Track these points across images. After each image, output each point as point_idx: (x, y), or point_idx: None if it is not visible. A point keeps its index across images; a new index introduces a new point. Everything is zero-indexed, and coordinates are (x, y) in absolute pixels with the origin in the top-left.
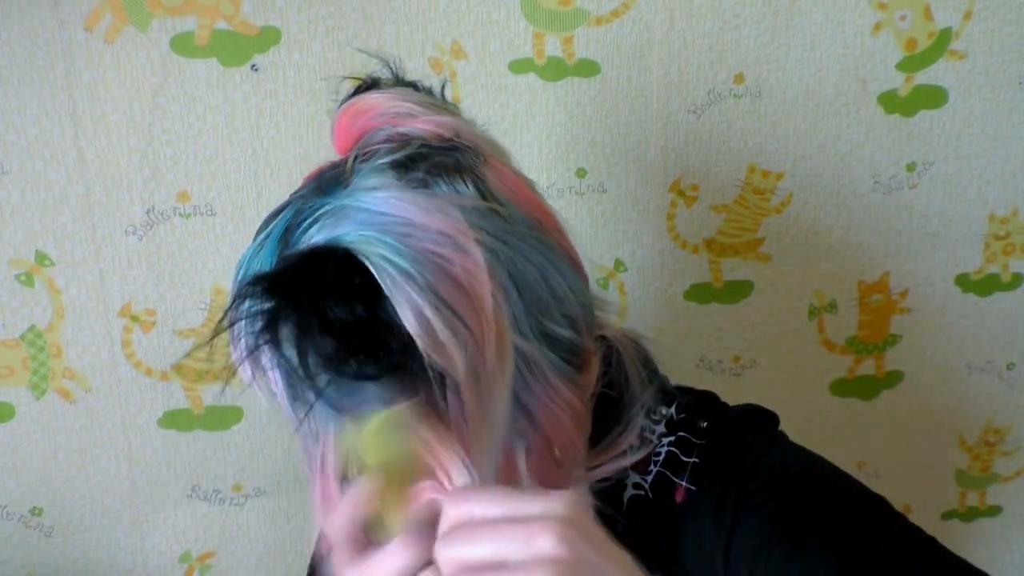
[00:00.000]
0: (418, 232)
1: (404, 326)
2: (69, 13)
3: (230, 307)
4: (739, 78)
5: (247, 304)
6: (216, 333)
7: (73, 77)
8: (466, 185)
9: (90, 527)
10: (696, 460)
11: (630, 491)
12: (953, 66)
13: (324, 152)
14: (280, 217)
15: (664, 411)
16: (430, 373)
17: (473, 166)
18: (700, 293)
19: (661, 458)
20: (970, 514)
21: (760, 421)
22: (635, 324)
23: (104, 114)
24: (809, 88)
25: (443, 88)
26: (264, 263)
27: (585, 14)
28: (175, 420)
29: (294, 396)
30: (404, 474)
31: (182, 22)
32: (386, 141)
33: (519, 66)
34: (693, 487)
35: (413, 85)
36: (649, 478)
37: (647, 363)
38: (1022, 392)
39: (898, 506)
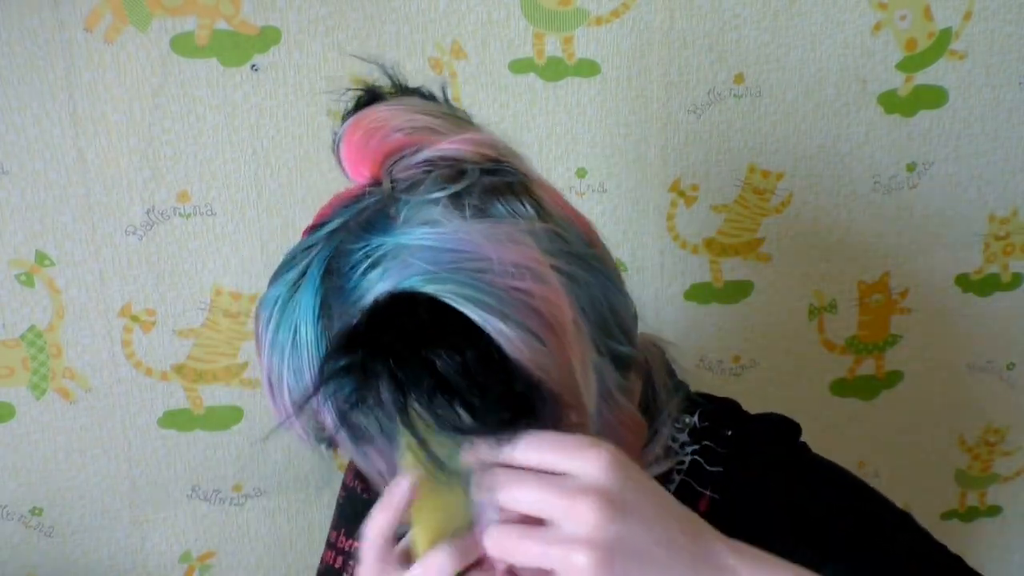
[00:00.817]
0: (495, 267)
1: (519, 363)
2: (69, 13)
3: (291, 351)
4: (739, 78)
5: (343, 361)
6: (308, 396)
7: (73, 77)
8: (525, 207)
9: (90, 527)
10: (720, 469)
11: None
12: (953, 66)
13: (324, 152)
14: (315, 253)
15: (688, 420)
16: (548, 408)
17: (526, 185)
18: (700, 293)
19: (685, 467)
20: (970, 514)
21: (783, 431)
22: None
23: (104, 114)
24: (809, 88)
25: (444, 91)
26: (305, 306)
27: (585, 14)
28: (175, 420)
29: (355, 438)
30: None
31: (182, 22)
32: (427, 164)
33: (519, 66)
34: (717, 496)
35: (417, 92)
36: (672, 487)
37: (671, 370)
38: (1022, 392)
39: (898, 506)
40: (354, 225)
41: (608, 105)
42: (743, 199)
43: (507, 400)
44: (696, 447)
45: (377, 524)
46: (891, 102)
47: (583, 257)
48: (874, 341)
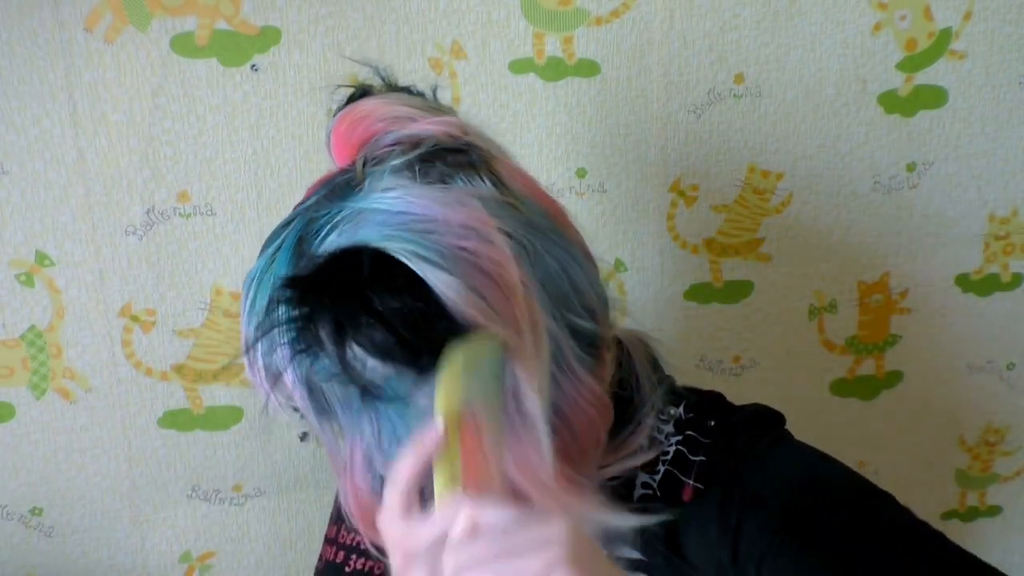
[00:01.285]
0: (440, 227)
1: (455, 307)
2: (69, 13)
3: (262, 317)
4: (739, 78)
5: (281, 310)
6: (256, 341)
7: (73, 77)
8: (483, 180)
9: (90, 527)
10: (703, 458)
11: (639, 490)
12: (953, 66)
13: (324, 152)
14: (291, 227)
15: (672, 411)
16: None
17: (487, 162)
18: (700, 293)
19: (669, 457)
20: (970, 514)
21: (766, 420)
22: (635, 324)
23: (104, 114)
24: (809, 88)
25: (435, 92)
26: (279, 273)
27: (585, 14)
28: (175, 420)
29: (319, 410)
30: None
31: (182, 22)
32: (396, 143)
33: (519, 66)
34: (700, 485)
35: (406, 90)
36: (657, 477)
37: (655, 364)
38: (1022, 392)
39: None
40: (323, 198)
41: (608, 105)
42: (743, 199)
43: (442, 336)
44: (680, 437)
45: (405, 469)
46: (891, 102)
47: (541, 229)
48: (874, 341)
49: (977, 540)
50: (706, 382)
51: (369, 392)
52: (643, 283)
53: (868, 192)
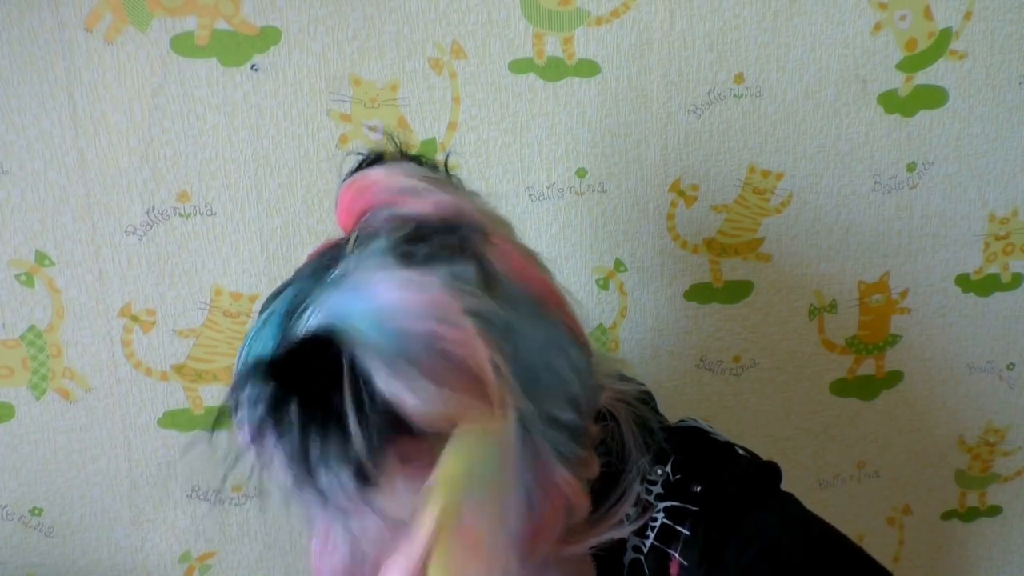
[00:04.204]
0: (400, 313)
1: (417, 411)
2: (69, 13)
3: (232, 389)
4: (739, 78)
5: (248, 388)
6: (220, 414)
7: (73, 77)
8: (466, 264)
9: (90, 527)
10: (688, 533)
11: (630, 554)
12: (953, 66)
13: (324, 152)
14: (281, 298)
15: (660, 472)
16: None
17: (474, 245)
18: (700, 293)
19: (657, 525)
20: (970, 514)
21: (758, 481)
22: (635, 324)
23: (104, 114)
24: (809, 88)
25: (446, 161)
26: (265, 345)
27: (585, 14)
28: (175, 420)
29: (298, 483)
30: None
31: (182, 22)
32: (387, 222)
33: (519, 66)
34: (685, 562)
35: (417, 159)
36: (647, 543)
37: (644, 423)
38: (1022, 392)
39: (898, 506)
40: (314, 271)
41: (608, 105)
42: (743, 199)
43: (387, 443)
44: (667, 504)
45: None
46: (891, 102)
47: (524, 315)
48: (874, 341)
49: (977, 540)
50: (706, 382)
51: (323, 496)
52: (643, 283)
53: (868, 192)
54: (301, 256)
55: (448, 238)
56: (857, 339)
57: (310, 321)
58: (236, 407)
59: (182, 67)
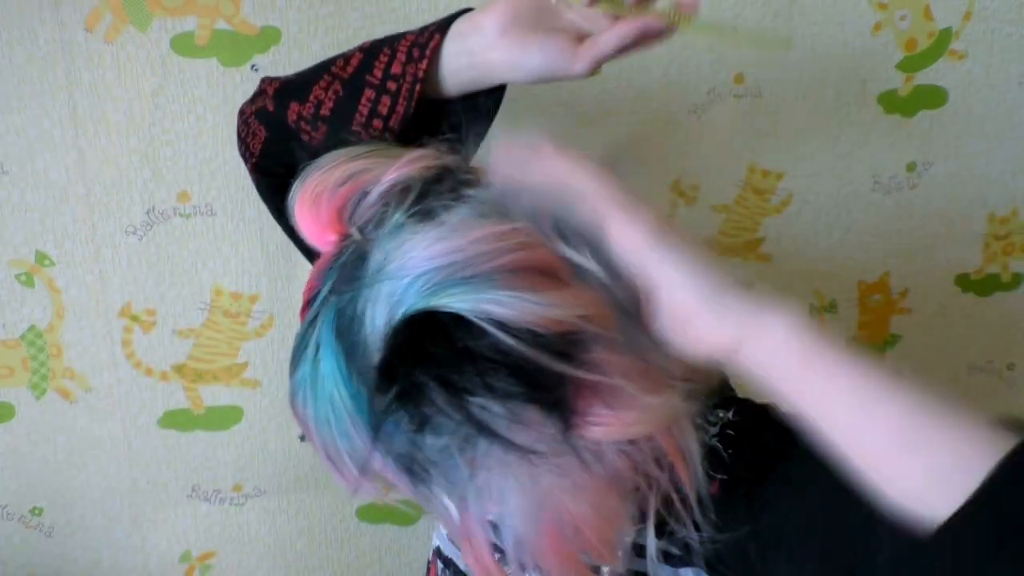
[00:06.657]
0: (461, 261)
1: (526, 323)
2: (69, 13)
3: (361, 415)
4: (739, 78)
5: (390, 395)
6: (375, 436)
7: (73, 77)
8: (477, 193)
9: (90, 527)
10: (732, 452)
11: None
12: (953, 66)
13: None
14: (320, 324)
15: (721, 414)
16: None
17: (468, 179)
18: None
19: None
20: None
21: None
22: None
23: (104, 114)
24: (809, 88)
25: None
26: (331, 375)
27: None
28: (175, 420)
29: (415, 480)
30: None
31: (182, 22)
32: (382, 199)
33: None
34: (726, 477)
35: (343, 141)
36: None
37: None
38: (1022, 392)
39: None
40: (341, 283)
41: (608, 105)
42: (743, 199)
43: (542, 357)
44: (717, 435)
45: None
46: (891, 102)
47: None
48: (874, 341)
49: None
50: None
51: (502, 440)
52: None
53: (868, 192)
54: (301, 256)
55: (443, 185)
56: (857, 339)
57: (377, 320)
58: (386, 419)
59: (182, 67)
